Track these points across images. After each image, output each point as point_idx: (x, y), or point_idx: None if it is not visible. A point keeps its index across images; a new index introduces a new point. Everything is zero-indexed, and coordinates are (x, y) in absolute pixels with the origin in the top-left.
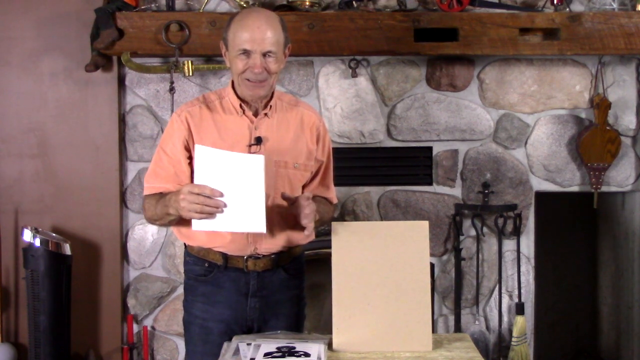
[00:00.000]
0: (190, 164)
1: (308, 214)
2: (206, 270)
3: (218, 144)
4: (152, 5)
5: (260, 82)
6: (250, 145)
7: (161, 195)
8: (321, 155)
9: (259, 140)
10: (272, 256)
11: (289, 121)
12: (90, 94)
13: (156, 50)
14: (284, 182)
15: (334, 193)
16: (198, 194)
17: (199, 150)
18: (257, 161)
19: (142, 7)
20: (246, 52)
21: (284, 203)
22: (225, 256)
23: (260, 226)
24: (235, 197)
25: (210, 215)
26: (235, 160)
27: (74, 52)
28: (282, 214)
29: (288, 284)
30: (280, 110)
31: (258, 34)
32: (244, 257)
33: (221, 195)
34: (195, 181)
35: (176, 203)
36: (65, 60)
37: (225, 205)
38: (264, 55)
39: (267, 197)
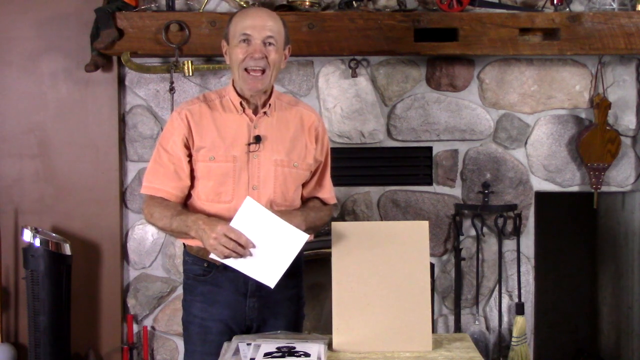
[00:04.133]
0: (190, 162)
1: None
2: (205, 270)
3: (217, 143)
4: (152, 5)
5: (259, 72)
6: (249, 144)
7: (177, 211)
8: (320, 155)
9: (258, 139)
10: None
11: (288, 120)
12: (90, 94)
13: (156, 50)
14: (282, 181)
15: (331, 193)
16: (233, 240)
17: (247, 202)
18: (300, 237)
19: (142, 7)
20: (247, 40)
21: (283, 203)
22: None
23: (272, 282)
24: (264, 253)
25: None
26: (279, 226)
27: (74, 52)
28: (280, 215)
29: (286, 284)
30: (279, 109)
31: (259, 21)
32: None
33: (253, 247)
34: (232, 225)
35: (204, 234)
36: (65, 60)
37: (251, 255)
38: (265, 43)
39: (267, 196)
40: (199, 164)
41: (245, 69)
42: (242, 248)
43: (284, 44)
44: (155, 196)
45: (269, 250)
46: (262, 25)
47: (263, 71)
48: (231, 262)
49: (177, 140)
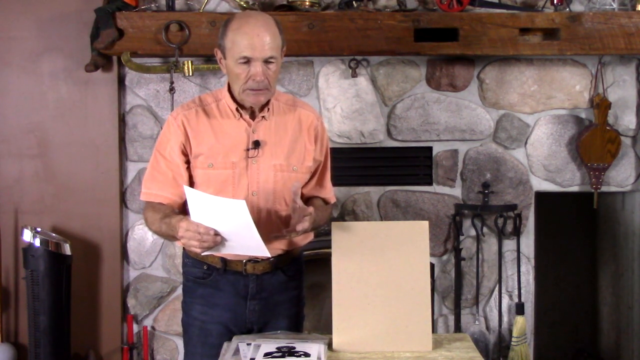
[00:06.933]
0: (189, 168)
1: (299, 230)
2: (205, 273)
3: (215, 149)
4: (152, 5)
5: (261, 89)
6: (248, 150)
7: (164, 214)
8: (319, 155)
9: (257, 144)
10: (271, 259)
11: (286, 123)
12: (90, 94)
13: (156, 50)
14: (282, 186)
15: (331, 192)
16: (194, 232)
17: (187, 192)
18: (240, 206)
19: (142, 7)
20: (247, 61)
21: (283, 208)
22: (224, 260)
23: (263, 252)
24: (231, 232)
25: (211, 248)
26: (219, 203)
27: (74, 52)
28: (281, 218)
29: (287, 286)
30: (277, 112)
31: (258, 41)
32: (242, 260)
33: (215, 232)
34: (192, 218)
35: (178, 235)
36: (65, 60)
37: (223, 239)
38: (265, 62)
39: (266, 201)
40: (197, 171)
41: (249, 89)
42: (208, 236)
43: (281, 50)
44: (153, 202)
45: (232, 228)
46: (262, 46)
47: (265, 87)
48: (215, 251)
49: (174, 146)
